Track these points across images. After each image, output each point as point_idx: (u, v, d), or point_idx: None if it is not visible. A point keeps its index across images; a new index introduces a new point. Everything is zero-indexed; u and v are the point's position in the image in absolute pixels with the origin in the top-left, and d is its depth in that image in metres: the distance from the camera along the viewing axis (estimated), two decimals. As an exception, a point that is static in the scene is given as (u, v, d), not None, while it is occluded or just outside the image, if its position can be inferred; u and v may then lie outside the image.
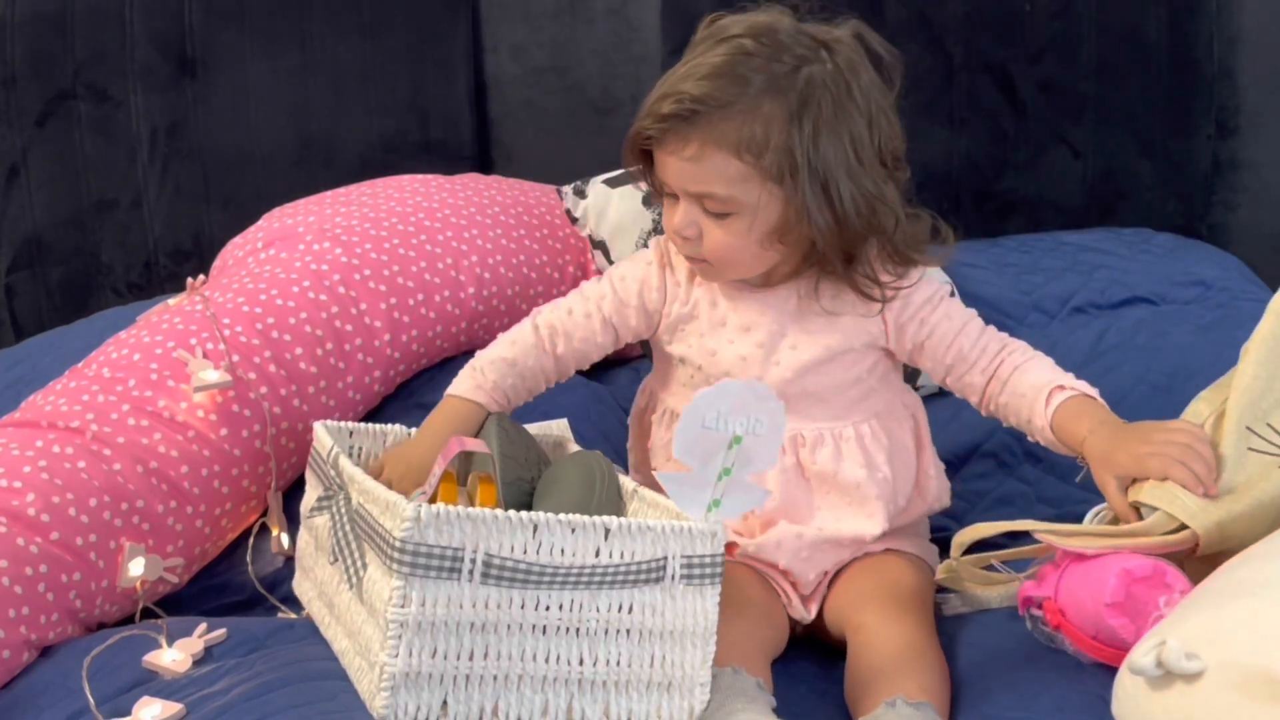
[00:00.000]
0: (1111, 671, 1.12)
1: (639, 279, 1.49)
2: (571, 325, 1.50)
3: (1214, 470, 1.24)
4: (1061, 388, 1.36)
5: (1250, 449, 1.25)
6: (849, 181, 1.34)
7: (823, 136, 1.33)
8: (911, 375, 1.61)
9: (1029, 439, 1.40)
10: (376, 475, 1.38)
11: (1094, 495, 1.44)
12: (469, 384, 1.49)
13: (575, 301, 1.52)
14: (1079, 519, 1.37)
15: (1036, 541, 1.32)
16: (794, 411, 1.41)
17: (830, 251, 1.37)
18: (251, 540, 1.61)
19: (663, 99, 1.35)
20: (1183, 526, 1.22)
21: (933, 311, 1.43)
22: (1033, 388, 1.37)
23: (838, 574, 1.45)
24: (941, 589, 1.46)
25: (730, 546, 1.44)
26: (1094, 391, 1.36)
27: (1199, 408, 1.31)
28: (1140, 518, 1.26)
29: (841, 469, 1.43)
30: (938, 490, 1.51)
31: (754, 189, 1.34)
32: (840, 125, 1.34)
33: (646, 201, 1.92)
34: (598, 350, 1.52)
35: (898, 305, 1.43)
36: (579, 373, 1.79)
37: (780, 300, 1.44)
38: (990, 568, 1.43)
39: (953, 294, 1.65)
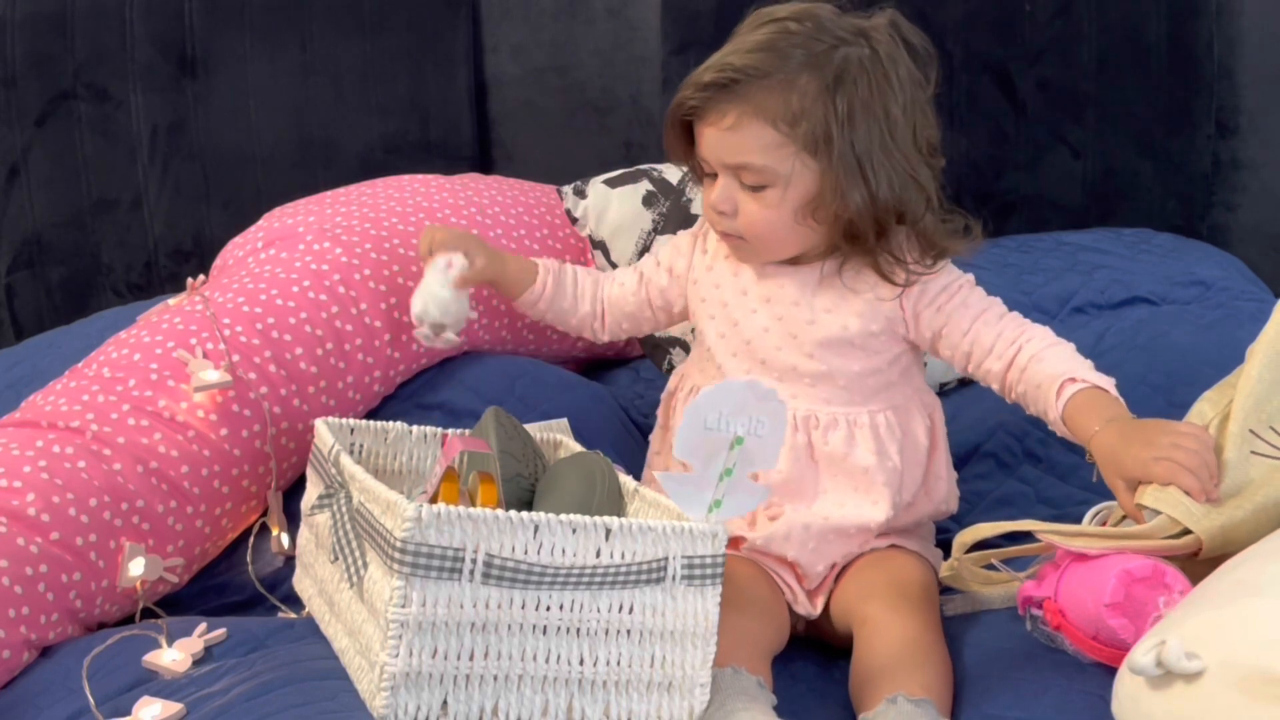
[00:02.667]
0: (1111, 671, 1.12)
1: (671, 244, 1.58)
2: (606, 277, 1.64)
3: (1216, 477, 1.24)
4: (1073, 380, 1.36)
5: (1254, 452, 1.25)
6: (884, 159, 1.37)
7: (858, 114, 1.37)
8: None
9: (1055, 432, 1.39)
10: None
11: (1095, 496, 1.44)
12: None
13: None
14: (1079, 519, 1.38)
15: (1036, 540, 1.32)
16: (812, 392, 1.44)
17: (864, 225, 1.40)
18: (251, 540, 1.61)
19: (705, 70, 1.41)
20: (1186, 530, 1.22)
21: (949, 299, 1.44)
22: (1047, 379, 1.37)
23: (844, 568, 1.45)
24: (944, 590, 1.46)
25: (736, 540, 1.44)
26: (1107, 382, 1.36)
27: (1203, 408, 1.31)
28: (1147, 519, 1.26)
29: (853, 453, 1.44)
30: (946, 494, 1.51)
31: (788, 159, 1.38)
32: (875, 106, 1.38)
33: (646, 202, 1.92)
34: (634, 300, 1.60)
35: (915, 292, 1.44)
36: (581, 372, 1.78)
37: (803, 277, 1.46)
38: (990, 567, 1.43)
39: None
